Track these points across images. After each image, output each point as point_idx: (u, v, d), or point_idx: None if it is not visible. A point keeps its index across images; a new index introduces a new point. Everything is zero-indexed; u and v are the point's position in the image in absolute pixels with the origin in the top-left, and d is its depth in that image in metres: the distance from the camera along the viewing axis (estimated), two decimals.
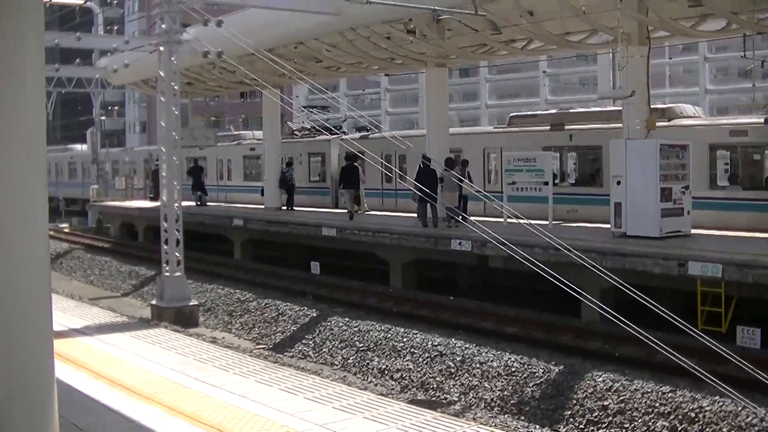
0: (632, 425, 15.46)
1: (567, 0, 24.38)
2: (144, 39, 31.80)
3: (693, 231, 24.53)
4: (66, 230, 55.37)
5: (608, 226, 24.79)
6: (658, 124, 26.17)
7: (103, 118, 75.26)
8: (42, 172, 4.79)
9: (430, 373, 19.27)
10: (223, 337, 23.38)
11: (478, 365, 18.96)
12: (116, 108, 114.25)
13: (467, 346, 19.99)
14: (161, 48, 25.23)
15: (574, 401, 16.62)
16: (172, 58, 25.02)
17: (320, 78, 38.72)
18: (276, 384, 12.70)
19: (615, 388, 16.49)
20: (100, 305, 23.82)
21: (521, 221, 18.59)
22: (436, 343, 20.55)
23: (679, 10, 24.77)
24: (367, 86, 79.21)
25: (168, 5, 24.95)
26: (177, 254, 24.64)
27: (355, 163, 34.98)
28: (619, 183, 24.36)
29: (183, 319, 23.75)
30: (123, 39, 36.18)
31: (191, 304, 25.10)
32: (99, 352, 15.33)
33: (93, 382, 12.76)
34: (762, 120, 26.66)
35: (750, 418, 14.15)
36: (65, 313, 19.88)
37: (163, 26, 25.13)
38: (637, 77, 24.58)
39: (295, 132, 47.72)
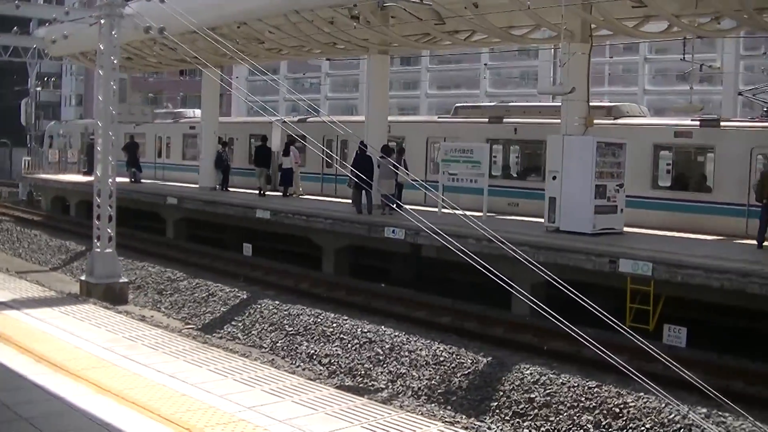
0: (557, 418, 15.59)
1: None
2: (85, 11, 31.34)
3: (633, 230, 24.89)
4: None
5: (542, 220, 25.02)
6: (600, 121, 26.44)
7: (39, 89, 74.25)
8: None
9: (359, 360, 19.28)
10: (152, 316, 23.21)
11: (407, 353, 19.00)
12: (53, 80, 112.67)
13: (397, 334, 20.02)
14: (102, 21, 24.87)
15: (501, 393, 16.71)
16: (113, 32, 24.68)
17: (261, 59, 38.49)
18: (205, 365, 12.65)
19: (542, 381, 16.63)
20: (27, 279, 23.52)
21: (456, 212, 18.63)
22: (365, 330, 20.57)
23: (622, 10, 25.03)
24: (307, 70, 78.80)
25: None
26: (109, 230, 24.35)
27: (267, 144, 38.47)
28: (554, 178, 24.56)
29: (112, 295, 23.49)
30: (63, 9, 35.58)
31: (121, 281, 24.82)
32: (25, 326, 15.15)
33: (18, 357, 12.62)
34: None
35: (673, 415, 14.36)
36: None
37: None
38: (577, 74, 24.80)
39: None
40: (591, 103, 27.05)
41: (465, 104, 37.57)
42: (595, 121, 26.42)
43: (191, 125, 47.53)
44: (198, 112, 49.01)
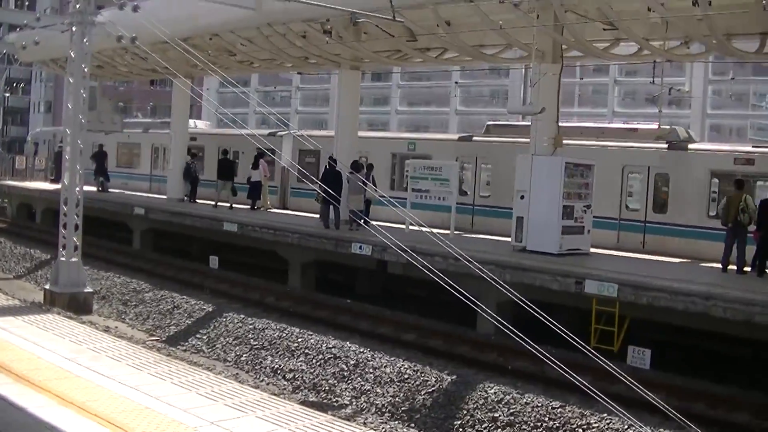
0: None
1: (486, 14, 24.57)
2: (57, 17, 31.19)
3: (600, 251, 25.04)
4: None
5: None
6: (653, 145, 26.77)
7: (7, 95, 73.87)
8: None
9: (323, 375, 19.24)
10: (117, 327, 23.05)
11: (371, 370, 18.98)
12: (21, 85, 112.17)
13: (362, 350, 19.99)
14: (74, 28, 24.79)
15: (465, 411, 16.72)
16: (85, 40, 24.61)
17: (233, 72, 38.44)
18: (169, 378, 12.59)
19: (506, 401, 16.64)
20: None
21: (422, 229, 18.65)
22: (330, 346, 20.53)
23: (593, 32, 25.21)
24: (278, 83, 78.82)
25: None
26: (75, 239, 24.22)
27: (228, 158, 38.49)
28: (522, 197, 24.64)
29: (77, 305, 23.34)
30: (35, 15, 35.46)
31: (86, 290, 24.67)
32: None
33: None
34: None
35: None
36: None
37: (78, 6, 24.68)
38: (548, 94, 24.89)
39: None
40: (639, 126, 27.11)
41: (498, 122, 35.79)
42: (647, 146, 26.66)
43: (191, 136, 45.10)
44: (199, 122, 48.56)
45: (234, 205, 36.96)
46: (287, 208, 38.54)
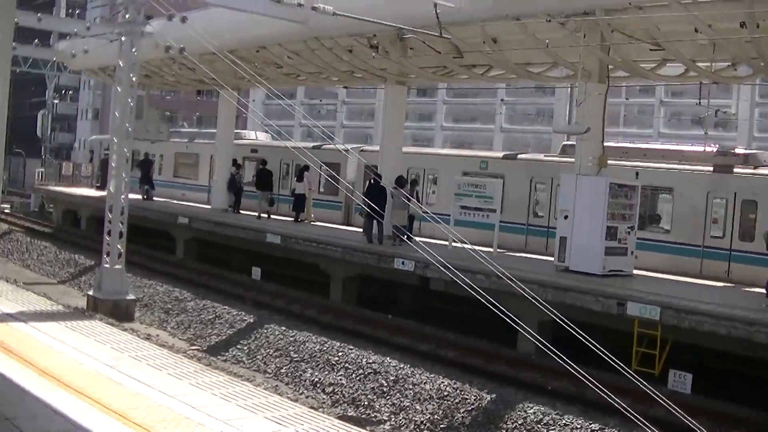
0: None
1: (532, 32, 24.55)
2: (106, 26, 31.40)
3: (643, 272, 24.88)
4: (6, 211, 54.50)
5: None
6: (739, 170, 26.30)
7: (56, 101, 74.61)
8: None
9: (363, 390, 19.20)
10: (158, 335, 23.18)
11: (410, 386, 18.93)
12: (70, 93, 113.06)
13: (402, 366, 19.96)
14: (123, 38, 25.02)
15: (504, 431, 16.64)
16: (133, 50, 24.83)
17: (279, 84, 38.59)
18: (209, 388, 12.59)
19: (545, 422, 16.55)
20: (35, 291, 23.43)
21: (465, 246, 18.60)
22: (371, 361, 20.51)
23: (640, 53, 25.14)
24: (324, 96, 79.05)
25: None
26: (119, 246, 24.40)
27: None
28: (566, 217, 24.55)
29: (119, 312, 23.52)
30: (85, 24, 35.76)
31: (128, 298, 24.86)
32: (31, 339, 15.10)
33: (23, 370, 12.57)
34: None
35: None
36: None
37: (127, 16, 24.91)
38: (593, 114, 24.80)
39: None
40: (722, 150, 26.91)
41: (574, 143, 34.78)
42: (736, 170, 26.35)
43: (253, 148, 45.18)
44: (261, 135, 48.50)
45: (273, 216, 37.08)
46: (351, 225, 37.94)
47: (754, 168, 26.89)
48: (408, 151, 35.43)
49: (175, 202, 45.40)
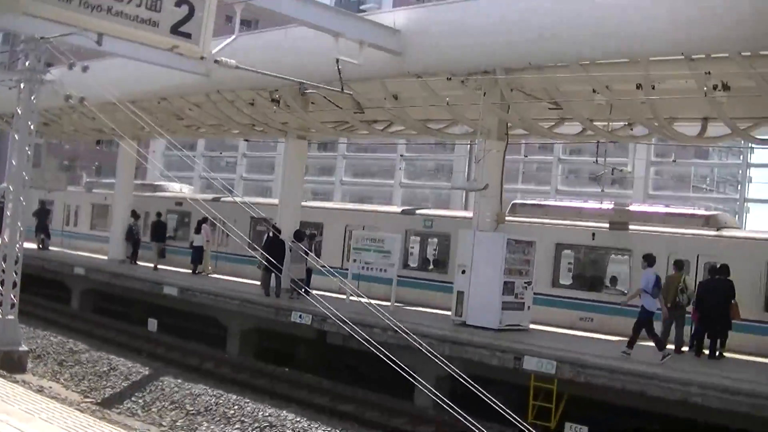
0: None
1: (433, 90, 24.89)
2: (5, 73, 31.12)
3: (539, 327, 25.20)
4: None
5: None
6: (700, 232, 26.22)
7: None
8: None
9: None
10: (51, 387, 22.79)
11: None
12: None
13: (299, 419, 19.88)
14: (21, 85, 24.78)
15: None
16: (32, 97, 24.59)
17: (179, 135, 38.49)
18: None
19: None
20: None
21: (362, 300, 18.70)
22: (267, 414, 20.39)
23: (539, 111, 25.62)
24: (225, 149, 78.68)
25: (34, 43, 24.53)
26: (12, 296, 24.00)
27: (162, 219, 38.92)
28: (463, 272, 24.80)
29: (11, 364, 23.07)
30: None
31: (21, 349, 24.39)
32: None
33: None
34: None
35: None
36: None
37: (27, 63, 24.70)
38: (492, 170, 25.16)
39: None
40: (683, 211, 27.74)
41: (524, 202, 33.09)
42: (693, 232, 26.15)
43: (177, 201, 43.38)
44: (185, 187, 47.84)
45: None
46: None
47: (717, 230, 26.62)
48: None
49: (68, 251, 44.75)
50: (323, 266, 24.91)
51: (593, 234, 28.07)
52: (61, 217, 50.84)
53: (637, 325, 21.58)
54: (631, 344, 21.29)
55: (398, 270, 29.18)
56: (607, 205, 30.55)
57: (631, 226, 27.69)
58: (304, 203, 34.57)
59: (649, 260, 22.33)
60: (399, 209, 36.74)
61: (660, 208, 30.43)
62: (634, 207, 30.76)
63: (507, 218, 27.95)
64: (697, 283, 23.01)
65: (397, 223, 32.85)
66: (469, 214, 29.20)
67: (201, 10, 16.84)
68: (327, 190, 76.57)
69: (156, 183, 48.85)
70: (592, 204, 31.48)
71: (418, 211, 34.75)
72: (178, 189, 47.87)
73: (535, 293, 25.93)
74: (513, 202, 32.62)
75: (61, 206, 50.75)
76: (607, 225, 28.10)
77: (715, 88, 20.67)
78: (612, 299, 26.64)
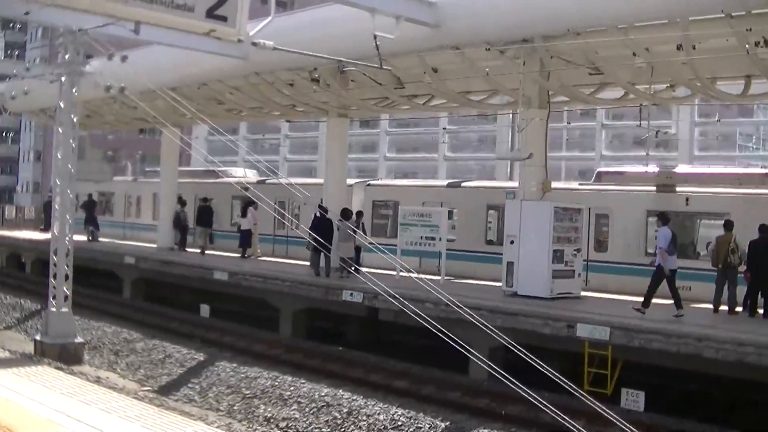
0: None
1: (472, 61, 24.73)
2: (46, 67, 31.27)
3: (591, 294, 25.03)
4: None
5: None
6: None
7: None
8: None
9: (316, 424, 19.12)
10: (108, 377, 22.93)
11: (365, 418, 18.88)
12: (11, 135, 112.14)
13: (355, 398, 19.92)
14: (63, 78, 24.87)
15: None
16: (73, 90, 24.69)
17: (221, 120, 38.52)
18: (161, 429, 12.50)
19: None
20: None
21: (411, 275, 18.62)
22: (323, 394, 20.45)
23: (579, 77, 25.38)
24: (267, 131, 78.79)
25: (72, 35, 24.60)
26: (65, 289, 24.17)
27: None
28: (512, 242, 24.69)
29: (67, 356, 23.25)
30: (24, 65, 35.56)
31: (77, 341, 24.59)
32: None
33: None
34: None
35: None
36: None
37: (66, 56, 24.78)
38: (535, 140, 24.97)
39: None
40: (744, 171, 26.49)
41: (609, 170, 32.70)
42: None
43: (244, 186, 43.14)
44: (249, 172, 47.32)
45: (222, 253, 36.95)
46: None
47: None
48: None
49: (118, 242, 45.04)
50: (371, 243, 24.85)
51: (686, 199, 26.83)
52: (122, 209, 51.18)
53: (653, 282, 21.78)
54: (646, 303, 21.41)
55: (482, 247, 29.51)
56: (704, 168, 29.57)
57: (725, 190, 26.19)
58: (377, 182, 34.39)
59: (663, 218, 22.19)
60: (479, 183, 35.76)
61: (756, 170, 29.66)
62: (729, 169, 29.62)
63: (592, 186, 28.23)
64: (748, 242, 22.67)
65: (478, 197, 32.47)
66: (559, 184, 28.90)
67: None
68: (371, 167, 76.48)
69: (216, 169, 48.46)
70: (683, 168, 30.74)
71: (498, 184, 34.35)
72: (242, 174, 47.57)
73: (625, 263, 25.94)
74: (597, 170, 32.36)
75: (122, 198, 51.07)
76: (702, 189, 26.66)
77: (756, 44, 20.40)
78: (707, 266, 24.52)
